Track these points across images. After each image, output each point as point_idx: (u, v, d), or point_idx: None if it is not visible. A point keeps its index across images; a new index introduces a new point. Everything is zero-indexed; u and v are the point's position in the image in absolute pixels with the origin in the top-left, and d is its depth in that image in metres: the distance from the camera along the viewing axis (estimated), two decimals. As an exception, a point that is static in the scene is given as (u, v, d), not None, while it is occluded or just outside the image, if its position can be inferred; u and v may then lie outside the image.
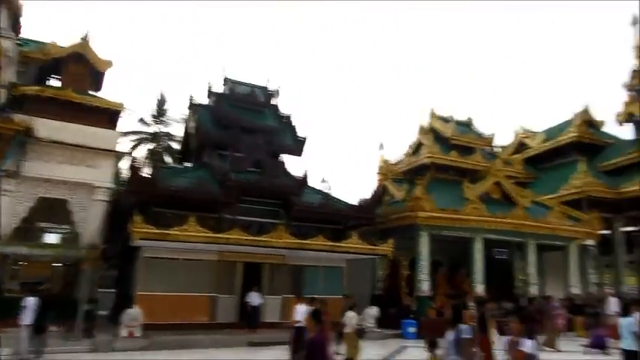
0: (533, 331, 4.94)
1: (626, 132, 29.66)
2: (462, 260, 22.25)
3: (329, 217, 19.04)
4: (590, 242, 24.50)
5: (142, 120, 34.89)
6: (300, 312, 12.53)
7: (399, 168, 25.94)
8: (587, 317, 17.92)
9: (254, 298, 16.45)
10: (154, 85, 79.58)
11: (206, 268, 16.68)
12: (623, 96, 29.51)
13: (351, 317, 12.23)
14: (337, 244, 17.56)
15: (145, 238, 14.41)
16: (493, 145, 28.41)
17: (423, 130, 26.39)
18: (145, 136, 35.15)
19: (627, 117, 28.92)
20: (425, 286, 19.79)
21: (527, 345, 4.80)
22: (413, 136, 27.22)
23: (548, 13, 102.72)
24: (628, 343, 8.44)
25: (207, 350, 13.68)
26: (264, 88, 23.26)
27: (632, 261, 27.20)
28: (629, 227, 26.43)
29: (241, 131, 19.45)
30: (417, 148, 26.30)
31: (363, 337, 13.73)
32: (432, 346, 7.23)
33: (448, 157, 24.20)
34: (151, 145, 35.00)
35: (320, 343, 5.25)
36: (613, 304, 16.82)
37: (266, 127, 20.88)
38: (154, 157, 32.84)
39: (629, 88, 29.32)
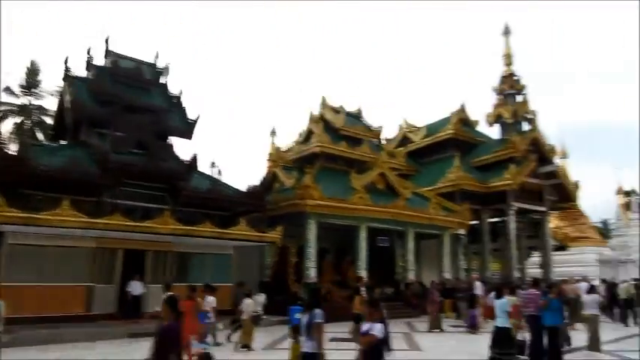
0: (382, 315, 5.16)
1: (495, 132, 32.60)
2: (347, 247, 22.98)
3: (217, 203, 18.55)
4: (461, 231, 26.60)
5: (8, 89, 31.19)
6: (209, 302, 12.33)
7: (289, 155, 26.00)
8: (458, 300, 19.37)
9: (135, 288, 15.53)
10: (26, 51, 71.57)
11: (82, 256, 15.35)
12: (494, 99, 32.36)
13: (248, 304, 12.20)
14: (225, 230, 17.19)
15: (9, 223, 12.91)
16: (380, 137, 29.59)
17: (313, 119, 26.65)
18: (11, 108, 31.48)
19: (496, 118, 31.75)
20: (312, 272, 20.14)
21: (377, 329, 4.94)
22: (304, 124, 27.41)
23: (437, 17, 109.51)
24: (501, 322, 9.28)
25: (79, 344, 12.61)
26: (151, 65, 21.86)
27: (496, 249, 30.09)
28: (495, 218, 29.18)
29: (124, 109, 18.10)
30: (307, 136, 26.54)
31: (259, 324, 13.64)
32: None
33: (337, 147, 24.74)
34: (18, 119, 31.45)
35: (172, 332, 4.94)
36: (478, 288, 18.37)
37: (152, 107, 19.67)
38: (22, 132, 29.53)
39: (499, 91, 32.17)
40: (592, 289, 12.83)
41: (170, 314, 5.11)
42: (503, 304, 9.47)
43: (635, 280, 20.79)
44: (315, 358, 5.49)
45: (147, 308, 15.65)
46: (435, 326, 16.21)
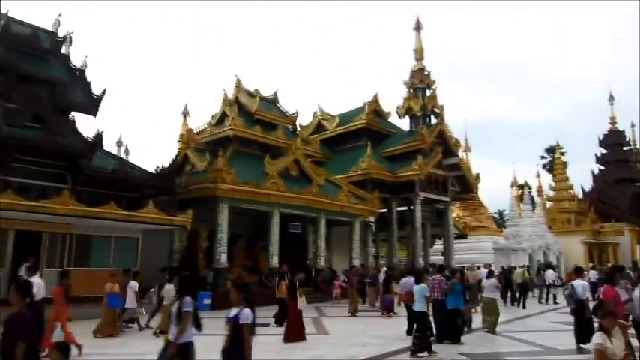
0: (252, 301, 5.03)
1: (406, 124, 33.81)
2: (260, 233, 22.80)
3: (123, 184, 17.60)
4: (371, 219, 27.40)
5: None
6: (132, 287, 12.17)
7: (201, 138, 25.19)
8: (369, 285, 19.88)
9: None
10: None
11: (-33, 237, 13.88)
12: (404, 92, 33.48)
13: (169, 290, 11.90)
14: (132, 213, 16.32)
15: None
16: (295, 123, 29.58)
17: (227, 102, 26.02)
18: None
19: (406, 111, 32.87)
20: (223, 257, 19.75)
21: (245, 313, 4.83)
22: (217, 107, 26.69)
23: (359, 9, 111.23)
24: (420, 306, 9.69)
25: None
26: (51, 33, 20.12)
27: (403, 236, 31.32)
28: (402, 207, 30.32)
29: (18, 79, 16.54)
30: (220, 118, 25.88)
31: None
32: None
33: (252, 131, 24.36)
34: None
35: (20, 319, 4.60)
36: (383, 274, 18.90)
37: (51, 78, 18.14)
38: None
39: (409, 85, 33.32)
40: (490, 274, 13.74)
41: (20, 300, 4.82)
42: (422, 289, 9.87)
43: (528, 266, 22.61)
44: (186, 347, 5.16)
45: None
46: (356, 310, 16.59)
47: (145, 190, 18.54)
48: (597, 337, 5.79)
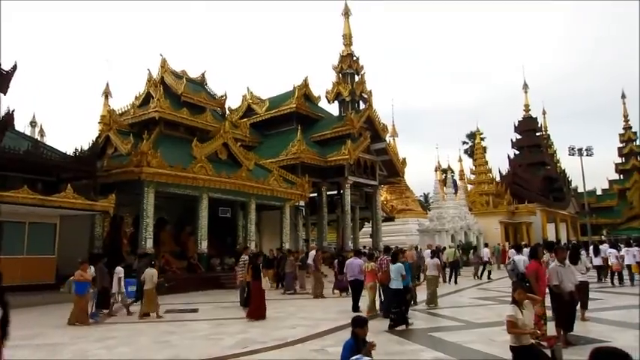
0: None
1: (336, 109, 34.10)
2: (187, 218, 22.25)
3: (38, 166, 16.49)
4: (301, 203, 27.52)
5: None
6: (117, 274, 12.38)
7: (124, 119, 23.97)
8: (299, 269, 19.97)
9: None
10: None
11: None
12: (334, 77, 33.74)
13: (151, 274, 12.04)
14: (48, 197, 15.38)
15: None
16: (224, 107, 28.95)
17: (152, 82, 24.94)
18: None
19: (336, 96, 33.17)
20: (149, 243, 19.08)
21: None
22: (141, 87, 25.55)
23: None
24: (396, 284, 10.25)
25: None
26: (-49, 3, 18.38)
27: (333, 220, 31.77)
28: (332, 191, 30.72)
29: None
30: (145, 100, 24.75)
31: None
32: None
33: (178, 113, 23.52)
34: None
35: None
36: (310, 257, 19.02)
37: (-48, 52, 16.61)
38: None
39: (338, 70, 33.61)
40: (434, 254, 14.48)
41: None
42: (398, 267, 10.43)
43: (458, 246, 23.70)
44: None
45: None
46: (319, 294, 16.22)
47: (62, 174, 17.49)
48: (509, 309, 6.28)
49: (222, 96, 27.22)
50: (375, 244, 30.12)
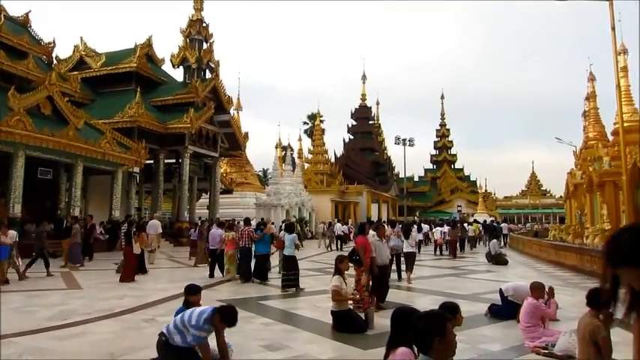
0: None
1: (180, 74, 32.63)
2: (-2, 177, 19.51)
3: None
4: (136, 169, 25.93)
5: None
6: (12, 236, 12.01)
7: None
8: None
9: None
10: None
11: None
12: (180, 41, 32.18)
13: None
14: None
15: None
16: (52, 55, 25.73)
17: (-41, 17, 21.12)
18: None
19: (181, 61, 31.81)
20: (-56, 204, 16.34)
21: None
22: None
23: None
24: (289, 251, 11.34)
25: None
26: None
27: (169, 189, 30.58)
28: (170, 159, 29.50)
29: None
30: (-51, 36, 20.90)
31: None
32: None
33: (-7, 57, 20.35)
34: None
35: None
36: (152, 227, 18.22)
37: None
38: None
39: (186, 34, 32.15)
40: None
41: None
42: (293, 237, 11.60)
43: (302, 219, 24.64)
44: None
45: None
46: (201, 262, 16.06)
47: None
48: (335, 280, 7.09)
49: (49, 43, 24.16)
50: (212, 216, 29.79)
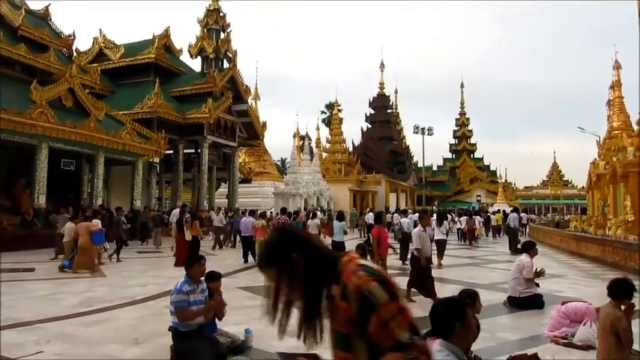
0: None
1: (198, 64, 32.74)
2: (22, 169, 19.91)
3: None
4: (156, 160, 26.24)
5: None
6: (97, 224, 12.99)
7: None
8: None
9: None
10: None
11: None
12: (198, 31, 32.23)
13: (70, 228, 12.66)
14: None
15: None
16: (72, 48, 26.02)
17: (-18, 11, 21.45)
18: None
19: (199, 51, 31.81)
20: (-27, 195, 16.78)
21: None
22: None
23: None
24: (339, 237, 12.19)
25: None
26: None
27: (189, 179, 30.88)
28: (189, 149, 29.77)
29: None
30: (-29, 31, 21.25)
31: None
32: None
33: (15, 49, 20.54)
34: None
35: None
36: (173, 215, 18.55)
37: None
38: None
39: (203, 24, 32.17)
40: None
41: None
42: (342, 225, 12.55)
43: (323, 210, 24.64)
44: None
45: None
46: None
47: None
48: None
49: (69, 35, 24.45)
50: (231, 205, 30.04)
